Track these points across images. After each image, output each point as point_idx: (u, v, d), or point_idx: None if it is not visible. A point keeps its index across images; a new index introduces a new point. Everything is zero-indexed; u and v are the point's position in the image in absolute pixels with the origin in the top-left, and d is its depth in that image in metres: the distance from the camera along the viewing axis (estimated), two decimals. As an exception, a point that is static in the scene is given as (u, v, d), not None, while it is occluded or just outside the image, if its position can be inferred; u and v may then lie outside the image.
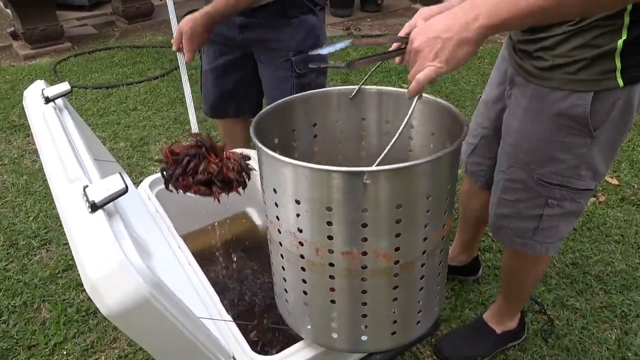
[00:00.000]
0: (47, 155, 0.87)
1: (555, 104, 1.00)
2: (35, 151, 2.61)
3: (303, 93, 1.11)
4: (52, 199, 2.26)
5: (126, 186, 0.72)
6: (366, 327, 0.91)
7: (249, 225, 1.69)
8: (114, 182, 0.72)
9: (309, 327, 0.96)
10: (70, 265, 1.82)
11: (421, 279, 0.90)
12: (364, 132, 1.16)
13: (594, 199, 2.12)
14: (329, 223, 0.82)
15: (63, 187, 0.78)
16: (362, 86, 1.09)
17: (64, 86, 1.05)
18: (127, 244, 0.67)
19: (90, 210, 0.70)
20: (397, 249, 0.84)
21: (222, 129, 1.83)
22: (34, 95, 1.08)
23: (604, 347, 1.47)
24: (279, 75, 1.50)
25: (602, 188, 2.18)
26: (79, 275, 1.76)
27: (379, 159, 0.76)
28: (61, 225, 2.02)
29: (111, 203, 0.73)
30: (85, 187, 0.73)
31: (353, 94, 1.11)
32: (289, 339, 1.20)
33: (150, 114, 2.98)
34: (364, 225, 0.81)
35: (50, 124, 0.94)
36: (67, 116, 1.03)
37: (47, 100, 1.02)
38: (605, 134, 1.00)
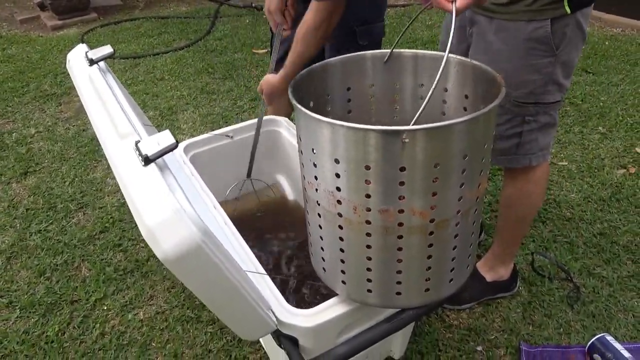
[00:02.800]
0: (96, 114, 0.91)
1: (521, 31, 1.15)
2: (68, 119, 2.69)
3: (339, 57, 1.12)
4: (87, 165, 2.33)
5: (176, 141, 0.75)
6: (400, 283, 0.94)
7: (278, 194, 1.72)
8: (165, 138, 0.75)
9: (344, 283, 0.99)
10: (106, 228, 1.89)
11: (455, 237, 0.92)
12: (397, 97, 1.17)
13: (624, 170, 2.09)
14: (367, 182, 0.84)
15: (115, 143, 0.82)
16: (399, 50, 1.09)
17: (107, 49, 1.08)
18: (179, 195, 0.70)
19: (143, 163, 0.74)
20: (432, 208, 0.86)
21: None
22: (77, 57, 1.11)
23: (630, 315, 1.48)
24: (341, 48, 1.47)
25: (632, 160, 2.15)
26: (115, 236, 1.85)
27: (416, 117, 0.77)
28: (96, 189, 2.10)
29: (160, 158, 0.77)
30: (137, 142, 0.76)
31: (386, 57, 1.12)
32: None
33: (177, 83, 3.02)
34: (402, 184, 0.83)
35: (97, 84, 0.97)
36: (110, 78, 1.06)
37: (92, 62, 1.05)
38: (564, 51, 1.17)
